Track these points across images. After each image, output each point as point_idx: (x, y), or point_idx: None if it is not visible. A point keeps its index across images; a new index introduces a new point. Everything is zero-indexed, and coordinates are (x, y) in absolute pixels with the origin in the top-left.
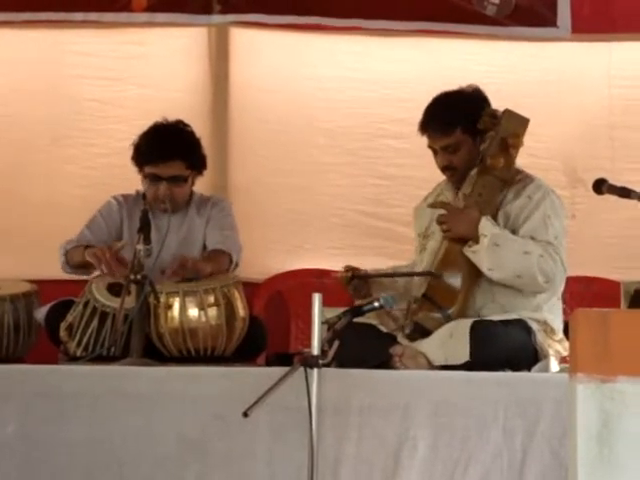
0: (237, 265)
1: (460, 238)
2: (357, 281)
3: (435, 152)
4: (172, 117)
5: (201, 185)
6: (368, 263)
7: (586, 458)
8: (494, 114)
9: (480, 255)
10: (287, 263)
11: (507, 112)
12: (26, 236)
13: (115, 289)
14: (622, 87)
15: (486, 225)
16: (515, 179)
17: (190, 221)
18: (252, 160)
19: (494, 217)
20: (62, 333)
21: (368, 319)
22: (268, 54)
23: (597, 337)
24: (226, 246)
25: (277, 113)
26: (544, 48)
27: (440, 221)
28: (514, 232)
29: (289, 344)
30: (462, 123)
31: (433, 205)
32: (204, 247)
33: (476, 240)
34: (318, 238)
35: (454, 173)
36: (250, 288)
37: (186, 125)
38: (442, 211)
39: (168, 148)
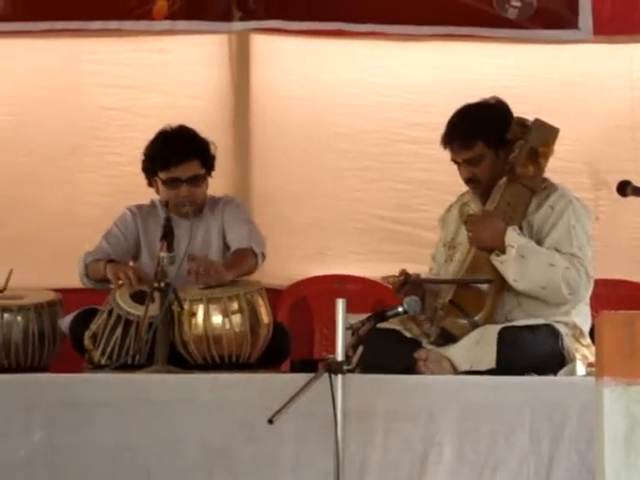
0: (264, 257)
1: (485, 247)
2: (409, 286)
3: (458, 165)
4: (194, 125)
5: (222, 191)
6: (391, 268)
7: (613, 461)
8: (524, 123)
9: (506, 265)
10: (310, 269)
11: (537, 121)
12: (48, 245)
13: (139, 297)
14: None
15: (513, 236)
16: (540, 188)
17: (206, 224)
18: (274, 167)
19: (520, 226)
20: (86, 342)
21: (392, 324)
22: (289, 60)
23: (623, 340)
24: (249, 242)
25: (298, 119)
26: (566, 50)
27: (468, 229)
28: (539, 243)
29: (313, 350)
30: (484, 136)
31: (461, 216)
32: (224, 247)
33: (502, 250)
34: (340, 244)
35: (477, 185)
36: (273, 295)
37: (190, 128)
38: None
39: (182, 149)
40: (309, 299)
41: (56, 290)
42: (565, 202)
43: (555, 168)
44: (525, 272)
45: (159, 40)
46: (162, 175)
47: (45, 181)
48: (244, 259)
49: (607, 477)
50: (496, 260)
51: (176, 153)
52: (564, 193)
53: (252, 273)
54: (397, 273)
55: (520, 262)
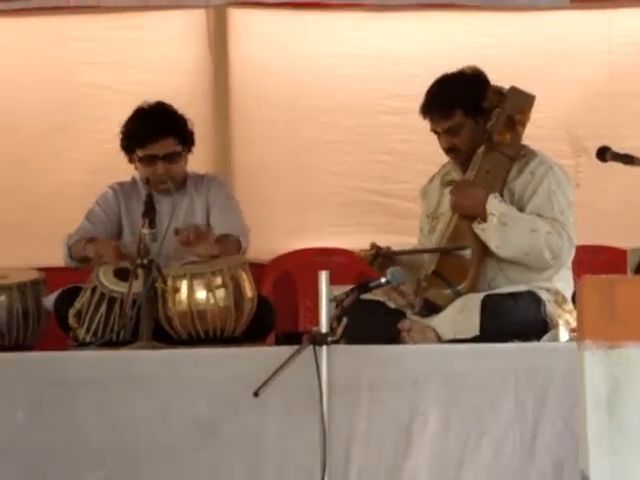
0: (245, 251)
1: (467, 214)
2: (381, 259)
3: (438, 135)
4: (173, 100)
5: (203, 166)
6: (374, 240)
7: (595, 424)
8: (500, 91)
9: (488, 233)
10: (293, 243)
11: (513, 89)
12: (32, 225)
13: (122, 274)
14: (623, 53)
15: (494, 203)
16: (519, 155)
17: (189, 200)
18: (254, 140)
19: (501, 193)
20: (71, 320)
21: (376, 296)
22: (267, 33)
23: (604, 303)
24: (235, 231)
25: (278, 92)
26: (544, 17)
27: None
28: (520, 209)
29: (298, 323)
30: (462, 105)
31: (443, 184)
32: (207, 225)
33: (484, 218)
34: (323, 217)
35: (458, 155)
36: (257, 269)
37: (168, 104)
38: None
39: (158, 126)
40: (292, 272)
41: (41, 269)
42: (545, 168)
43: (534, 135)
44: (507, 239)
45: (137, 16)
46: (139, 152)
47: (26, 160)
48: (229, 244)
49: (590, 440)
50: (478, 228)
51: (151, 130)
52: (544, 159)
53: None
54: (368, 246)
55: (502, 229)
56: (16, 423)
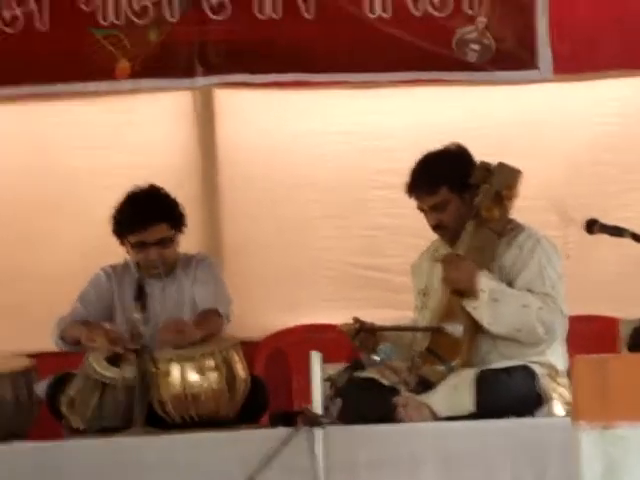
0: (228, 319)
1: (457, 288)
2: (363, 334)
3: (424, 212)
4: (163, 182)
5: (194, 246)
6: (366, 315)
7: None
8: (487, 167)
9: (480, 311)
10: (284, 320)
11: (500, 165)
12: (23, 309)
13: (114, 360)
14: (605, 124)
15: (484, 280)
16: (506, 229)
17: (179, 283)
18: (243, 219)
19: (490, 269)
20: (63, 407)
21: (369, 373)
22: (253, 113)
23: (597, 384)
24: (214, 303)
25: (266, 171)
26: (527, 90)
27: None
28: (510, 284)
29: (292, 401)
30: (447, 182)
31: (434, 260)
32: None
33: (474, 294)
34: (314, 292)
35: (445, 232)
36: (249, 347)
37: (159, 188)
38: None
39: (149, 213)
40: (285, 350)
41: (30, 355)
42: (533, 242)
43: (521, 208)
44: (499, 315)
45: (123, 99)
46: (130, 238)
47: (16, 245)
48: (210, 320)
49: None
50: (469, 306)
51: (142, 217)
52: (531, 233)
53: (217, 334)
54: (351, 321)
55: (493, 306)
56: None
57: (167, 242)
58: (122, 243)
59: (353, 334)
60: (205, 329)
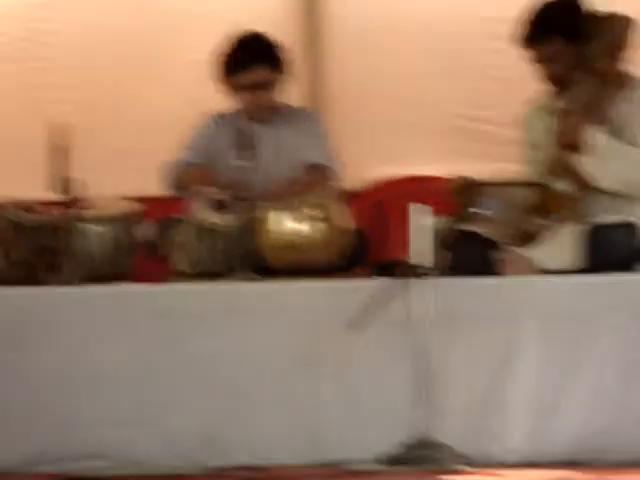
0: (337, 178)
1: (569, 144)
2: (469, 190)
3: (537, 63)
4: (262, 25)
5: (295, 94)
6: (470, 167)
7: None
8: (599, 17)
9: (589, 166)
10: (387, 171)
11: (612, 15)
12: (127, 155)
13: (220, 206)
14: None
15: (595, 136)
16: (620, 82)
17: (276, 132)
18: (346, 68)
19: (601, 122)
20: (169, 251)
21: (472, 226)
22: None
23: None
24: (325, 160)
25: (370, 19)
26: None
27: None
28: (619, 137)
29: (391, 252)
30: (561, 31)
31: (547, 112)
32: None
33: (584, 149)
34: (418, 144)
35: (558, 83)
36: (351, 198)
37: (261, 33)
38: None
39: (249, 55)
40: (387, 201)
41: (138, 199)
42: None
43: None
44: (608, 172)
45: None
46: (231, 81)
47: (119, 88)
48: (320, 173)
49: None
50: (578, 161)
51: (242, 59)
52: None
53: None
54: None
55: (603, 162)
56: (119, 354)
57: (266, 86)
58: (225, 87)
59: (459, 190)
60: (314, 178)
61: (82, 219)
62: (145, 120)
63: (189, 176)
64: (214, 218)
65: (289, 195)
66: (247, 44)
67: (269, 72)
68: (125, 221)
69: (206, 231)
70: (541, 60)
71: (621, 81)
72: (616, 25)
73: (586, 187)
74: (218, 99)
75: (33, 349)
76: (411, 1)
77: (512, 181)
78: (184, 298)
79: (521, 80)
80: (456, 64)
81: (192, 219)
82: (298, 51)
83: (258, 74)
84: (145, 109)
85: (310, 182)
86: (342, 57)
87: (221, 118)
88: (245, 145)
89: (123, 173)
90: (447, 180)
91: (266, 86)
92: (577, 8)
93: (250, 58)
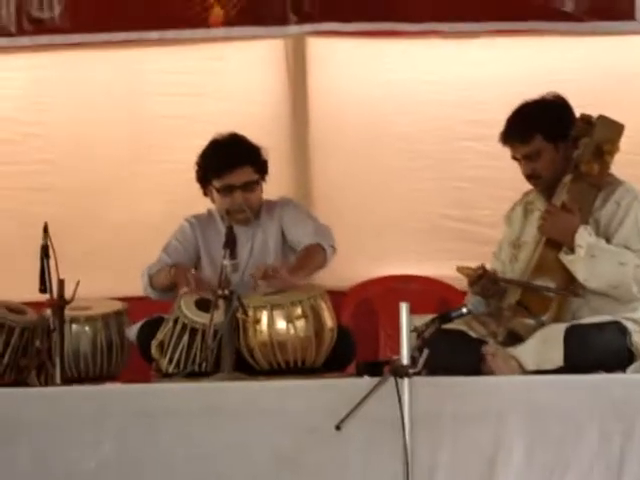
0: (334, 249)
1: (554, 240)
2: (485, 281)
3: (518, 161)
4: (252, 130)
5: (284, 194)
6: (453, 267)
7: None
8: (588, 120)
9: (576, 265)
10: (373, 270)
11: (601, 118)
12: (111, 254)
13: (203, 305)
14: None
15: (583, 235)
16: (604, 184)
17: (264, 228)
18: (333, 168)
19: (586, 223)
20: (154, 351)
21: (457, 325)
22: (345, 62)
23: None
24: (315, 237)
25: (357, 120)
26: (623, 42)
27: (542, 218)
28: (607, 240)
29: (378, 351)
30: (542, 130)
31: (527, 212)
32: (284, 249)
33: (571, 248)
34: (402, 243)
35: (539, 182)
36: (337, 296)
37: (241, 135)
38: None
39: (234, 156)
40: (372, 300)
41: (121, 299)
42: (631, 198)
43: (616, 160)
44: (595, 272)
45: (216, 47)
46: (216, 183)
47: (106, 191)
48: (313, 256)
49: None
50: (565, 259)
51: (228, 160)
52: (630, 188)
53: (323, 268)
54: (474, 266)
55: (590, 262)
56: (102, 454)
57: (252, 186)
58: (205, 193)
59: (474, 280)
60: (307, 269)
61: (73, 320)
62: (126, 220)
63: (165, 276)
64: (197, 317)
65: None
66: (232, 146)
67: (254, 173)
68: (116, 321)
69: (189, 330)
70: (522, 158)
71: (606, 183)
72: (605, 128)
73: (570, 286)
74: (201, 202)
75: (13, 447)
76: (396, 104)
77: (532, 284)
78: (168, 398)
79: (505, 180)
80: (440, 164)
81: (174, 318)
82: (284, 154)
83: (246, 174)
84: (127, 210)
85: (306, 264)
86: (326, 158)
87: (198, 221)
88: (230, 245)
89: (105, 274)
90: (463, 268)
91: (251, 187)
92: (561, 109)
93: (238, 159)
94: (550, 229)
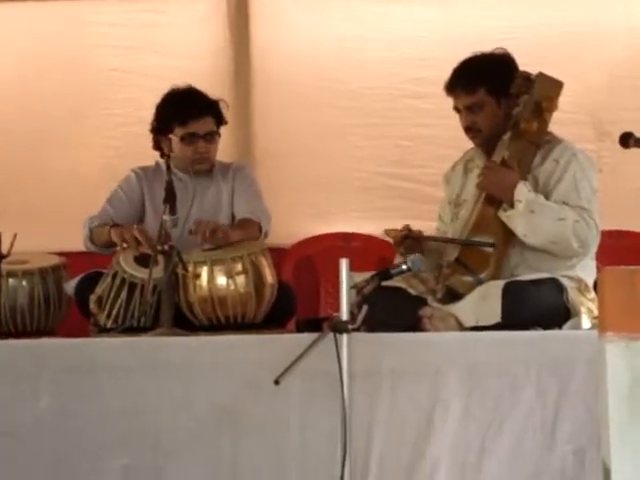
0: (267, 235)
1: (493, 196)
2: (410, 241)
3: (459, 112)
4: (193, 84)
5: (226, 150)
6: (393, 225)
7: (617, 415)
8: (528, 77)
9: (515, 220)
10: (314, 228)
11: (540, 75)
12: (51, 209)
13: (143, 260)
14: None
15: (522, 191)
16: (543, 142)
17: (216, 186)
18: (275, 124)
19: (526, 179)
20: (92, 305)
21: (396, 282)
22: (288, 16)
23: (625, 295)
24: (256, 215)
25: (299, 76)
26: (563, 1)
27: (481, 174)
28: (546, 196)
29: (318, 308)
30: (486, 83)
31: (466, 170)
32: (232, 216)
33: (510, 204)
34: (344, 201)
35: (477, 135)
36: (277, 253)
37: (198, 89)
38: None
39: (201, 105)
40: (313, 257)
41: (61, 254)
42: (569, 155)
43: (557, 120)
44: (535, 227)
45: (157, 0)
46: (179, 131)
47: (48, 145)
48: (250, 228)
49: (611, 431)
50: (503, 215)
51: (194, 108)
52: (568, 146)
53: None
54: (400, 227)
55: (529, 217)
56: (39, 409)
57: (214, 137)
58: (156, 146)
59: (399, 240)
60: (243, 234)
61: (10, 274)
62: (66, 174)
63: (104, 232)
64: (136, 272)
65: (216, 244)
66: (195, 96)
67: (215, 125)
68: (53, 275)
69: (128, 285)
70: (463, 109)
71: (545, 141)
72: (544, 85)
73: (509, 244)
74: (143, 154)
75: None
76: (339, 61)
77: (458, 239)
78: (106, 353)
79: (448, 139)
80: (383, 122)
81: (113, 272)
82: (229, 107)
83: (208, 124)
84: (68, 164)
85: (239, 235)
86: (268, 115)
87: (144, 173)
88: (169, 200)
89: (44, 228)
90: (389, 230)
91: (214, 137)
92: (507, 64)
93: (202, 108)
94: (489, 185)
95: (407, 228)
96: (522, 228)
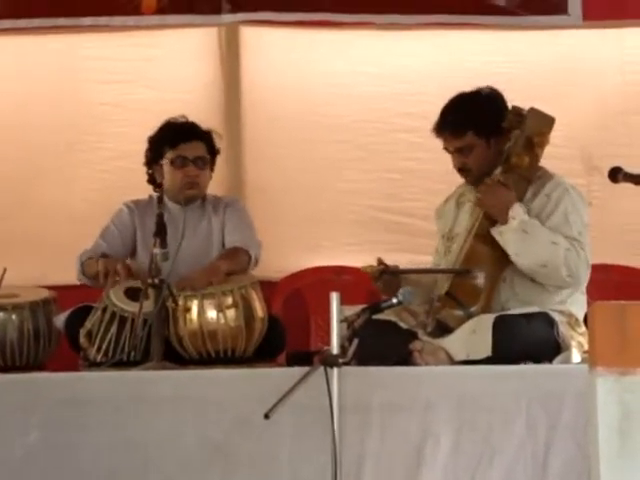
0: (257, 262)
1: (490, 214)
2: (387, 276)
3: (450, 153)
4: (186, 112)
5: (217, 185)
6: (386, 259)
7: (608, 450)
8: (520, 113)
9: (507, 236)
10: (304, 261)
11: (532, 110)
12: (41, 241)
13: (133, 294)
14: (635, 73)
15: (517, 210)
16: (535, 176)
17: (208, 219)
18: (266, 159)
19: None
20: (82, 339)
21: (387, 316)
22: (279, 51)
23: (615, 330)
24: (244, 244)
25: (289, 110)
26: (556, 36)
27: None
28: None
29: (309, 341)
30: (474, 126)
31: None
32: (223, 248)
33: (505, 222)
34: (334, 235)
35: (469, 175)
36: (268, 287)
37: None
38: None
39: (191, 130)
40: (304, 291)
41: (51, 287)
42: (562, 190)
43: (547, 154)
44: (527, 247)
45: (149, 35)
46: (169, 154)
47: (39, 177)
48: (238, 257)
49: (602, 465)
50: (496, 232)
51: (184, 132)
52: (560, 181)
53: (244, 272)
54: (375, 263)
55: (522, 236)
56: (29, 442)
57: (205, 162)
58: (150, 179)
59: (377, 275)
60: (231, 263)
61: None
62: (57, 207)
63: (96, 265)
64: (126, 305)
65: (208, 280)
66: (187, 123)
67: (206, 153)
68: (43, 309)
69: (118, 318)
70: (453, 151)
71: (537, 176)
72: (536, 120)
73: (499, 278)
74: (136, 188)
75: None
76: (329, 95)
77: (431, 269)
78: (96, 387)
79: (438, 173)
80: (374, 156)
81: (103, 306)
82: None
83: (199, 149)
84: (59, 197)
85: (227, 266)
86: (259, 149)
87: (136, 206)
88: (160, 233)
89: (34, 261)
90: (366, 266)
91: (205, 164)
92: (495, 103)
93: (193, 133)
94: (487, 201)
95: (381, 262)
96: (514, 246)
